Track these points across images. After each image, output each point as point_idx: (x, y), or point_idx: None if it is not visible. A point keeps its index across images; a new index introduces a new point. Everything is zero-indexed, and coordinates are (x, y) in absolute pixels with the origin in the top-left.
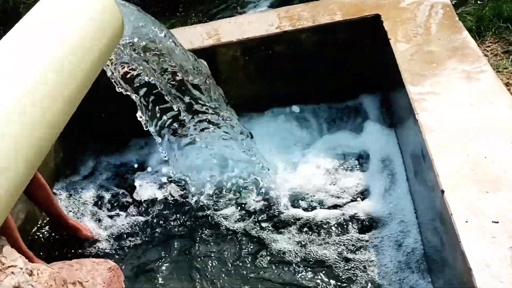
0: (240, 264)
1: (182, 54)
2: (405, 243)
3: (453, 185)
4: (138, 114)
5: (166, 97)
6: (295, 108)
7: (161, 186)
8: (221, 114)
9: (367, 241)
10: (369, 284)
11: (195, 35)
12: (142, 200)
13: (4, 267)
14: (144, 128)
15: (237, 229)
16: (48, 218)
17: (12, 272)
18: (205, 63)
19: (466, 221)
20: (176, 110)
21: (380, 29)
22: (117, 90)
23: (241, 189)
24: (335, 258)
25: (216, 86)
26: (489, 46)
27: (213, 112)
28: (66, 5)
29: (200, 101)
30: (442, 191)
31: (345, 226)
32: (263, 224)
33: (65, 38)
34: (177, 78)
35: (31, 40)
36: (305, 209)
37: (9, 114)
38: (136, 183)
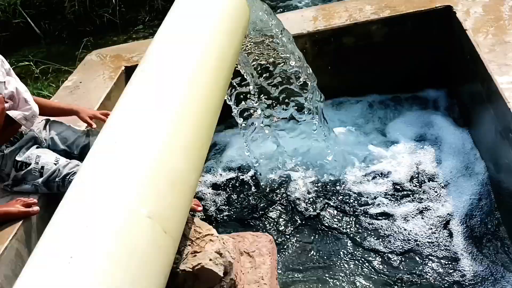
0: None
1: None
2: None
3: None
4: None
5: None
6: (363, 99)
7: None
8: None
9: None
10: None
11: None
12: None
13: (202, 235)
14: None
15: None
16: None
17: (211, 240)
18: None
19: None
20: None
21: (452, 20)
22: None
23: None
24: None
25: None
26: None
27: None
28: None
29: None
30: None
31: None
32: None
33: (210, 41)
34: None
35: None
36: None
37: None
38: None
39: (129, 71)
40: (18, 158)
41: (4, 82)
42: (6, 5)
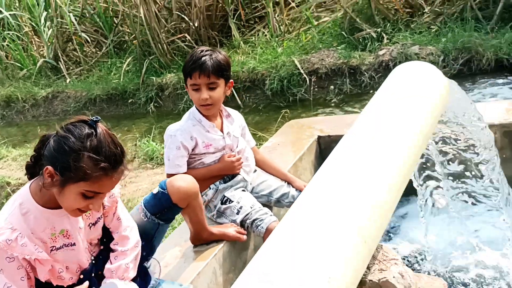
0: None
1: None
2: None
3: None
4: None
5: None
6: None
7: None
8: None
9: None
10: None
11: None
12: None
13: (388, 258)
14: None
15: None
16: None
17: (396, 263)
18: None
19: None
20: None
21: None
22: None
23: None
24: None
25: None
26: None
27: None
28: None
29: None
30: None
31: None
32: None
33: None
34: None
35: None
36: None
37: None
38: None
39: (321, 140)
40: (226, 194)
41: (238, 138)
42: None
